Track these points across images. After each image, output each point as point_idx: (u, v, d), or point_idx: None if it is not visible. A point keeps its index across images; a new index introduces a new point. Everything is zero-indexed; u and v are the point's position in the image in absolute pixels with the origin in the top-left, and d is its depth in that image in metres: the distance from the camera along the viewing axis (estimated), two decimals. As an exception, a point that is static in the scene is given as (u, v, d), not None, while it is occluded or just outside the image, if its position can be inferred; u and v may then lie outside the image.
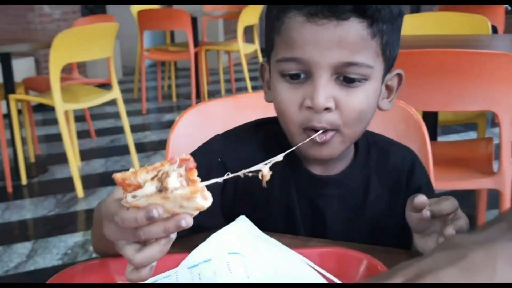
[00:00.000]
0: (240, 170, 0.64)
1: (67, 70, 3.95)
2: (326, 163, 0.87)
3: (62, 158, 3.49)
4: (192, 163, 0.52)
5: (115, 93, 3.37)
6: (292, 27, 0.77)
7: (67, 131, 3.11)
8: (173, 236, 0.56)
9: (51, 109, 3.11)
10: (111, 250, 0.62)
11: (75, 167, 3.15)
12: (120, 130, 4.36)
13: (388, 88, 0.87)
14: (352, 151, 0.91)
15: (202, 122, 1.33)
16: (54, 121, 2.96)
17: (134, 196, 0.52)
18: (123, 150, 3.80)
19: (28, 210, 3.04)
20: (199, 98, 5.05)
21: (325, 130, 0.78)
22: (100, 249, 0.76)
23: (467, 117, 2.55)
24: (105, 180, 3.45)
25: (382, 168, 0.91)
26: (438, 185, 2.14)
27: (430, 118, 2.23)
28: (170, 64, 5.78)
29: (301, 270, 0.67)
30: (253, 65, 6.53)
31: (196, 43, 4.86)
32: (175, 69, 5.75)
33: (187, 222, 0.53)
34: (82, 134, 4.11)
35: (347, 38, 0.75)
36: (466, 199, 2.88)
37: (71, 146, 3.16)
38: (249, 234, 0.71)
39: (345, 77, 0.77)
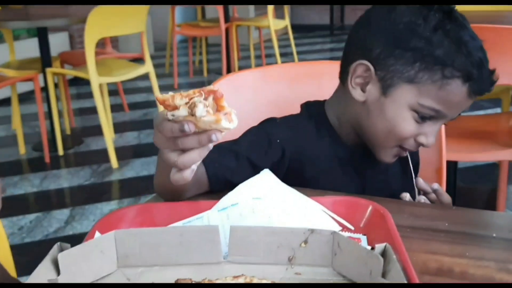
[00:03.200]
0: (296, 152, 0.93)
1: (101, 45, 4.07)
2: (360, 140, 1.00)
3: (96, 131, 3.63)
4: (219, 94, 0.63)
5: (148, 67, 3.47)
6: (456, 93, 0.87)
7: (102, 104, 3.23)
8: (210, 145, 0.67)
9: (85, 83, 3.23)
10: (168, 184, 0.76)
11: (109, 139, 3.28)
12: (152, 104, 4.49)
13: None
14: None
15: (233, 92, 1.42)
16: (88, 95, 3.10)
17: (172, 115, 0.64)
18: (156, 124, 3.92)
19: (65, 179, 3.19)
20: (229, 73, 5.12)
21: None
22: (160, 184, 0.89)
23: (497, 91, 2.58)
24: (139, 151, 3.58)
25: None
26: (460, 157, 2.20)
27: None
28: (201, 39, 5.86)
29: (315, 214, 0.76)
30: (283, 41, 6.57)
31: (227, 19, 4.93)
32: (206, 44, 5.84)
33: (217, 136, 0.64)
34: (115, 108, 4.24)
35: None
36: (491, 173, 2.93)
37: (105, 119, 3.29)
38: (272, 183, 0.80)
39: None
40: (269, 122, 1.02)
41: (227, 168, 0.90)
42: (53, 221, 2.65)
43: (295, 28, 5.92)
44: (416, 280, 0.58)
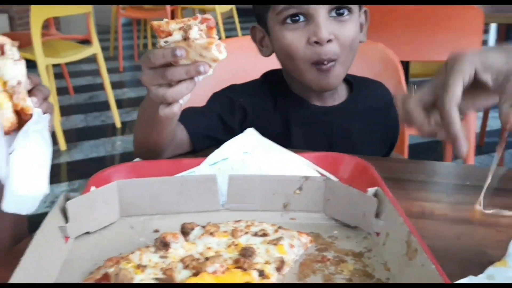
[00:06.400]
0: (255, 112, 0.98)
1: (44, 27, 3.95)
2: (325, 97, 1.03)
3: (42, 113, 3.52)
4: (213, 23, 0.66)
5: (96, 48, 3.40)
6: None
7: (49, 86, 3.15)
8: (197, 79, 0.70)
9: (30, 66, 3.12)
10: (151, 135, 0.84)
11: (57, 121, 3.21)
12: (98, 87, 4.40)
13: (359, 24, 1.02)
14: (344, 88, 1.07)
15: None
16: (34, 77, 3.02)
17: (166, 42, 0.67)
18: (102, 106, 3.86)
19: (12, 162, 3.09)
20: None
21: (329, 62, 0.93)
22: (142, 136, 0.91)
23: (435, 69, 2.69)
24: (86, 134, 3.51)
25: (370, 102, 1.08)
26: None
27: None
28: (146, 22, 5.77)
29: (301, 167, 0.79)
30: (229, 25, 6.55)
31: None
32: (151, 27, 5.74)
33: (205, 68, 0.67)
34: (60, 91, 4.14)
35: None
36: (433, 150, 3.06)
37: (53, 101, 3.21)
38: (258, 140, 0.83)
39: (337, 13, 0.93)
40: (229, 88, 1.06)
41: (203, 125, 0.96)
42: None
43: (241, 11, 5.92)
44: (407, 219, 0.62)
